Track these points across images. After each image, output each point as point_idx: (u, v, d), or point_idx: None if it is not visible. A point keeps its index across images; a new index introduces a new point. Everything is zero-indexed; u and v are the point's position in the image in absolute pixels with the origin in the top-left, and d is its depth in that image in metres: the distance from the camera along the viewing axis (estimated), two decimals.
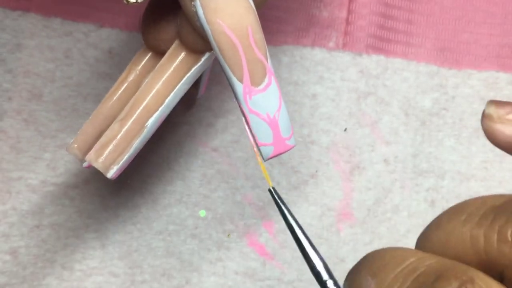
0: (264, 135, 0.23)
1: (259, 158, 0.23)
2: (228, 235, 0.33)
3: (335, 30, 0.35)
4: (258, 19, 0.22)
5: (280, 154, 0.23)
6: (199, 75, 0.25)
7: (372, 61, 0.35)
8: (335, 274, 0.33)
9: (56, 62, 0.33)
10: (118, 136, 0.24)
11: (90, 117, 0.26)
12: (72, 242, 0.32)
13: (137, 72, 0.27)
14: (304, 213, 0.33)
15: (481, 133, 0.35)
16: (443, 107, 0.35)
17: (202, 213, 0.33)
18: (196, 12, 0.22)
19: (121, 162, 0.25)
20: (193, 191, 0.33)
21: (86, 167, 0.26)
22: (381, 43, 0.35)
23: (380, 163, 0.34)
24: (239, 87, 0.22)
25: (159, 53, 0.26)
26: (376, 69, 0.35)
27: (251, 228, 0.33)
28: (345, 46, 0.35)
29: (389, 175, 0.34)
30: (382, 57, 0.35)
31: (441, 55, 0.35)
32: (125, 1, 0.22)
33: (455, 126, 0.35)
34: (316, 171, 0.34)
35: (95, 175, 0.33)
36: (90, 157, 0.24)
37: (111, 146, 0.24)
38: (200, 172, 0.33)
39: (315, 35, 0.35)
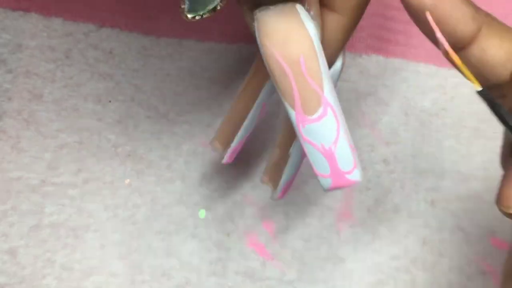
0: (321, 166, 0.22)
1: (455, 59, 0.21)
2: (228, 235, 0.33)
3: None
4: (317, 47, 0.21)
5: (341, 187, 0.22)
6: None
7: (372, 62, 0.35)
8: (335, 274, 0.33)
9: (56, 62, 0.33)
10: (230, 117, 0.28)
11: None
12: (72, 242, 0.32)
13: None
14: (304, 213, 0.33)
15: (480, 133, 0.35)
16: (443, 107, 0.35)
17: (202, 213, 0.33)
18: (254, 33, 0.22)
19: (234, 140, 0.28)
20: (193, 191, 0.33)
21: (225, 163, 0.28)
22: (381, 43, 0.35)
23: (380, 163, 0.34)
24: (291, 114, 0.22)
25: None
26: (376, 70, 0.35)
27: (251, 228, 0.33)
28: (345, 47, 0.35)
29: (389, 175, 0.34)
30: (381, 58, 0.35)
31: (440, 55, 0.35)
32: (184, 17, 0.21)
33: (455, 126, 0.35)
34: None
35: (93, 175, 0.33)
36: (213, 142, 0.28)
37: (224, 127, 0.29)
38: (200, 172, 0.33)
39: None
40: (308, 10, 0.21)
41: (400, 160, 0.34)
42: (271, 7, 0.21)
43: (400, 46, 0.35)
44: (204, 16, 0.21)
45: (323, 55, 0.21)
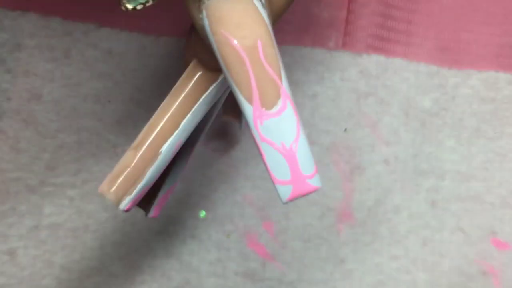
0: (280, 170, 0.20)
1: None
2: (228, 235, 0.33)
3: (335, 30, 0.35)
4: (271, 33, 0.20)
5: (302, 195, 0.20)
6: (219, 95, 0.23)
7: (372, 61, 0.35)
8: (335, 275, 0.33)
9: (55, 62, 0.33)
10: (132, 165, 0.22)
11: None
12: (71, 243, 0.32)
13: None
14: (304, 213, 0.33)
15: (481, 133, 0.35)
16: (443, 107, 0.35)
17: (202, 213, 0.33)
18: (203, 26, 0.20)
19: (134, 193, 0.22)
20: (192, 192, 0.33)
21: (125, 211, 0.23)
22: (381, 43, 0.35)
23: (380, 164, 0.34)
24: (248, 109, 0.19)
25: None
26: (376, 69, 0.35)
27: (251, 229, 0.33)
28: (345, 46, 0.35)
29: (389, 176, 0.34)
30: (382, 57, 0.35)
31: (441, 55, 0.35)
32: (123, 7, 0.20)
33: (455, 126, 0.34)
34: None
35: (93, 176, 0.33)
36: (103, 188, 0.22)
37: (123, 176, 0.22)
38: (200, 173, 0.33)
39: (315, 35, 0.35)
40: None
41: (401, 160, 0.34)
42: None
43: (401, 45, 0.35)
44: (147, 4, 0.19)
45: (276, 44, 0.20)
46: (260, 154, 0.20)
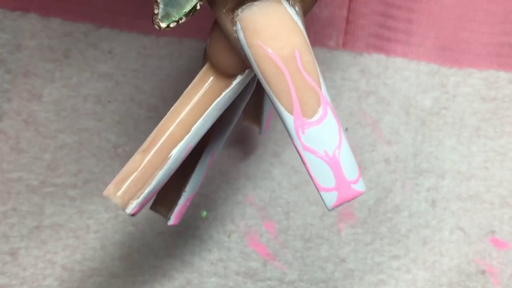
0: (325, 178, 0.19)
1: None
2: (229, 235, 0.33)
3: (336, 29, 0.35)
4: (308, 41, 0.19)
5: (347, 201, 0.20)
6: (231, 100, 0.23)
7: (373, 60, 0.35)
8: (336, 274, 0.33)
9: (56, 63, 0.33)
10: (140, 168, 0.22)
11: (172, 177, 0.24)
12: (72, 243, 0.32)
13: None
14: (305, 213, 0.33)
15: (481, 132, 0.35)
16: (444, 107, 0.35)
17: (203, 213, 0.33)
18: (238, 38, 0.19)
19: (141, 196, 0.22)
20: None
21: (132, 215, 0.22)
22: (382, 42, 0.35)
23: (381, 163, 0.34)
24: (289, 119, 0.19)
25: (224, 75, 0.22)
26: (377, 69, 0.35)
27: (252, 229, 0.33)
28: (345, 45, 0.35)
29: (390, 175, 0.34)
30: (382, 56, 0.35)
31: (441, 54, 0.35)
32: (156, 26, 0.19)
33: (456, 125, 0.34)
34: None
35: (94, 176, 0.33)
36: (109, 191, 0.22)
37: (131, 179, 0.22)
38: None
39: (315, 34, 0.35)
40: (292, 5, 0.20)
41: (401, 159, 0.34)
42: (256, 3, 0.19)
43: (401, 44, 0.35)
44: (180, 22, 0.19)
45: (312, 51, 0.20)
46: (303, 163, 0.19)
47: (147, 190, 0.22)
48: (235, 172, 0.33)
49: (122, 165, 0.33)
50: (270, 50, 0.19)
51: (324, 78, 0.34)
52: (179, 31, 0.34)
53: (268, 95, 0.19)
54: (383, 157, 0.34)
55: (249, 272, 0.33)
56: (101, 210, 0.32)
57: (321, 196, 0.19)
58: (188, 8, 0.18)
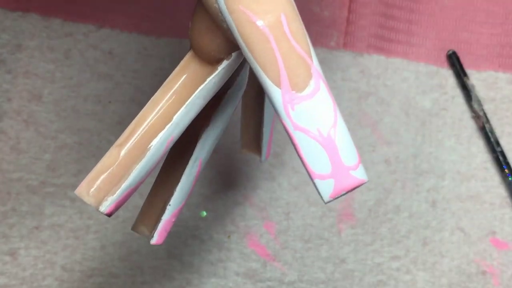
0: (319, 162, 0.16)
1: None
2: (229, 236, 0.33)
3: (336, 30, 0.35)
4: (295, 7, 0.17)
5: (346, 191, 0.17)
6: (217, 89, 0.21)
7: (373, 61, 0.35)
8: (335, 275, 0.33)
9: (56, 63, 0.33)
10: (116, 163, 0.19)
11: (151, 192, 0.23)
12: (72, 243, 0.32)
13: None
14: (305, 213, 0.33)
15: (481, 133, 0.35)
16: (443, 107, 0.35)
17: (203, 214, 0.33)
18: (219, 9, 0.17)
19: (117, 192, 0.19)
20: (194, 192, 0.33)
21: (107, 214, 0.20)
22: (382, 43, 0.35)
23: (381, 164, 0.34)
24: (276, 93, 0.16)
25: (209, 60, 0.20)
26: (377, 69, 0.35)
27: (252, 229, 0.33)
28: (346, 46, 0.35)
29: (390, 176, 0.34)
30: (382, 57, 0.35)
31: (441, 55, 0.35)
32: None
33: (455, 126, 0.34)
34: None
35: None
36: (81, 189, 0.19)
37: (105, 175, 0.19)
38: (201, 173, 0.33)
39: (316, 34, 0.35)
40: None
41: (401, 160, 0.34)
42: None
43: (401, 45, 0.35)
44: None
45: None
46: (294, 145, 0.17)
47: (123, 185, 0.19)
48: (235, 173, 0.33)
49: None
50: (253, 15, 0.16)
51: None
52: (179, 31, 0.34)
53: (252, 67, 0.17)
54: (383, 157, 0.34)
55: (249, 273, 0.33)
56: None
57: (315, 185, 0.17)
58: None
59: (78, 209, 0.32)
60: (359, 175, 0.16)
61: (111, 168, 0.19)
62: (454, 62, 0.34)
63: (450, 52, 0.33)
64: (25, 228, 0.32)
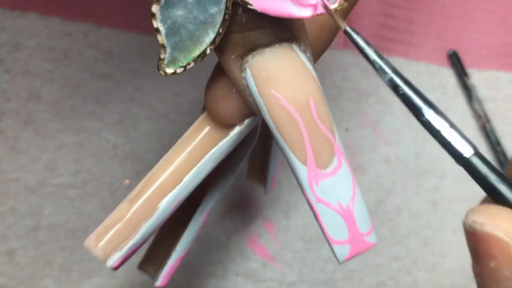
0: (338, 230, 0.18)
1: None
2: (228, 236, 0.33)
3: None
4: (321, 90, 0.18)
5: (359, 254, 0.19)
6: (228, 152, 0.21)
7: None
8: (336, 275, 0.33)
9: (55, 63, 0.33)
10: (125, 219, 0.20)
11: (158, 233, 0.23)
12: (71, 244, 0.32)
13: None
14: (305, 213, 0.33)
15: (482, 132, 0.35)
16: (444, 107, 0.35)
17: None
18: (247, 85, 0.18)
19: (124, 249, 0.20)
20: None
21: (113, 268, 0.20)
22: (383, 42, 0.35)
23: (382, 164, 0.34)
24: (302, 170, 0.18)
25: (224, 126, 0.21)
26: None
27: (252, 229, 0.33)
28: (346, 45, 0.34)
29: (390, 176, 0.34)
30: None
31: (442, 54, 0.35)
32: (161, 72, 0.18)
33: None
34: None
35: (93, 176, 0.33)
36: (90, 242, 0.20)
37: (114, 229, 0.20)
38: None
39: None
40: (304, 51, 0.18)
41: (402, 160, 0.34)
42: (267, 50, 0.18)
43: (402, 45, 0.35)
44: (187, 67, 0.17)
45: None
46: (315, 215, 0.18)
47: (130, 243, 0.20)
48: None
49: (121, 165, 0.33)
50: (284, 99, 0.18)
51: (325, 77, 0.34)
52: None
53: (279, 145, 0.18)
54: (383, 157, 0.34)
55: (249, 273, 0.32)
56: (99, 211, 0.32)
57: (332, 249, 0.18)
58: (197, 52, 0.17)
59: (77, 209, 0.32)
60: (372, 239, 0.19)
61: (120, 223, 0.20)
62: (455, 62, 0.33)
63: (451, 52, 0.33)
64: (24, 228, 0.32)
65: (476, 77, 0.35)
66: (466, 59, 0.35)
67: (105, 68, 0.33)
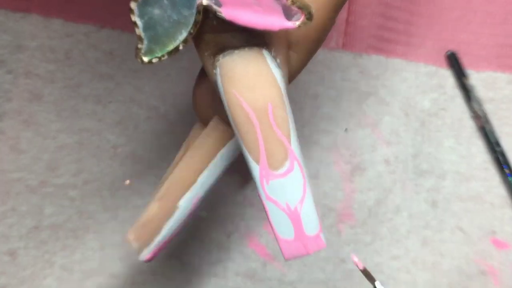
0: (284, 229, 0.20)
1: None
2: (229, 236, 0.33)
3: (336, 30, 0.35)
4: (284, 95, 0.19)
5: (304, 255, 0.20)
6: (236, 150, 0.23)
7: (372, 62, 0.35)
8: (336, 275, 0.33)
9: (56, 63, 0.33)
10: (153, 216, 0.23)
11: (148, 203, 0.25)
12: (72, 243, 0.32)
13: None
14: None
15: (481, 133, 0.35)
16: (442, 107, 0.35)
17: (203, 214, 0.33)
18: (216, 82, 0.19)
19: (152, 245, 0.23)
20: None
21: (146, 260, 0.23)
22: (381, 43, 0.35)
23: (381, 164, 0.34)
24: (255, 168, 0.19)
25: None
26: (376, 70, 0.35)
27: (252, 229, 0.33)
28: (345, 46, 0.35)
29: (389, 176, 0.34)
30: (382, 58, 0.35)
31: (440, 55, 0.35)
32: (139, 60, 0.20)
33: (454, 126, 0.35)
34: (317, 172, 0.34)
35: (93, 176, 0.33)
36: (130, 236, 0.23)
37: (146, 226, 0.23)
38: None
39: None
40: (274, 57, 0.19)
41: (401, 160, 0.34)
42: (236, 51, 0.19)
43: (401, 46, 0.35)
44: (162, 59, 0.19)
45: (289, 105, 0.20)
46: (265, 212, 0.20)
47: (157, 239, 0.23)
48: (234, 172, 0.33)
49: (122, 165, 0.33)
50: (243, 101, 0.19)
51: (324, 78, 0.34)
52: None
53: (238, 142, 0.20)
54: (383, 157, 0.34)
55: (249, 273, 0.32)
56: (100, 210, 0.32)
57: (279, 245, 0.20)
58: (171, 47, 0.19)
59: (78, 209, 0.32)
60: (318, 243, 0.20)
61: (150, 220, 0.23)
62: (454, 62, 0.34)
63: (449, 52, 0.33)
64: (25, 227, 0.32)
65: (474, 78, 0.35)
66: (464, 60, 0.35)
67: (106, 68, 0.34)
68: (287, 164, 0.19)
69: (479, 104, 0.33)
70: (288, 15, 0.18)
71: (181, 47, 0.18)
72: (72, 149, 0.33)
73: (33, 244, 0.32)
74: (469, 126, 0.35)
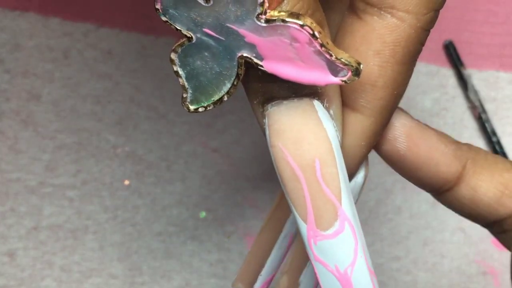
0: None
1: None
2: (228, 236, 0.33)
3: None
4: (335, 150, 0.18)
5: None
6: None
7: None
8: None
9: (55, 63, 0.33)
10: (254, 256, 0.24)
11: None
12: (71, 244, 0.32)
13: None
14: None
15: (482, 133, 0.35)
16: (444, 107, 0.35)
17: (202, 214, 0.33)
18: (264, 133, 0.19)
19: (258, 282, 0.24)
20: (193, 192, 0.33)
21: None
22: None
23: (382, 164, 0.34)
24: (303, 227, 0.18)
25: None
26: None
27: (252, 229, 0.33)
28: None
29: (390, 176, 0.34)
30: None
31: (441, 55, 0.35)
32: (185, 107, 0.19)
33: (456, 126, 0.34)
34: None
35: (93, 176, 0.33)
36: (236, 283, 0.24)
37: (249, 267, 0.24)
38: (200, 173, 0.33)
39: None
40: (327, 108, 0.18)
41: None
42: (285, 102, 0.18)
43: None
44: (208, 108, 0.18)
45: (343, 161, 0.18)
46: (315, 273, 0.19)
47: (261, 278, 0.24)
48: (234, 172, 0.33)
49: (121, 165, 0.33)
50: (289, 155, 0.18)
51: None
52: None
53: (286, 198, 0.19)
54: None
55: None
56: (99, 211, 0.32)
57: None
58: (216, 97, 0.18)
59: (77, 210, 0.32)
60: None
61: (252, 261, 0.23)
62: (451, 51, 0.34)
63: (447, 42, 0.33)
64: (24, 228, 0.32)
65: (476, 77, 0.35)
66: (466, 59, 0.35)
67: (105, 68, 0.33)
68: (336, 225, 0.18)
69: (476, 94, 0.33)
70: (334, 71, 0.17)
71: (225, 98, 0.18)
72: (71, 149, 0.33)
73: (32, 245, 0.32)
74: (470, 126, 0.34)
